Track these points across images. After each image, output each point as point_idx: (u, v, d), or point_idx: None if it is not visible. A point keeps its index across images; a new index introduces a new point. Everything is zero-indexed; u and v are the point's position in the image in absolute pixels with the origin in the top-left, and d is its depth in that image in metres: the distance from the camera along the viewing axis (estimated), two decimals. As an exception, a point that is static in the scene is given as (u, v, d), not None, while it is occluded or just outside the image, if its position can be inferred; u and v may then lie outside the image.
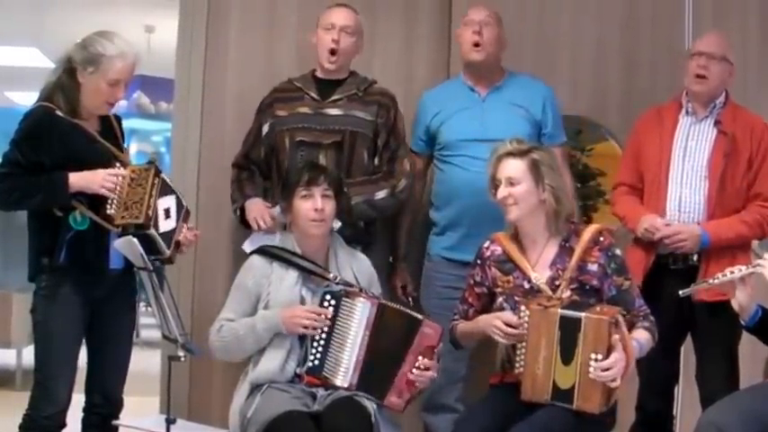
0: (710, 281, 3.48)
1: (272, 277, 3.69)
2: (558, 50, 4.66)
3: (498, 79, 4.41)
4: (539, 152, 3.56)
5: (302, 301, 3.66)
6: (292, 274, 3.69)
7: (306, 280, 3.69)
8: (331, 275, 3.68)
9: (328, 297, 3.61)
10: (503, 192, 3.51)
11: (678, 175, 4.01)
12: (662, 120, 4.11)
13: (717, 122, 4.02)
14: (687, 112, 4.07)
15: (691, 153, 4.02)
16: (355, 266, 3.81)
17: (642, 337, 3.43)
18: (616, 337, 3.23)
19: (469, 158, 4.21)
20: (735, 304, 3.44)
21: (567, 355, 3.28)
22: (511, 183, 3.50)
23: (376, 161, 4.26)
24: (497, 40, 4.36)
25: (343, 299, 3.61)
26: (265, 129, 4.28)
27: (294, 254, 3.72)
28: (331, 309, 3.59)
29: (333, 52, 4.20)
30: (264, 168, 4.30)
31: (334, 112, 4.21)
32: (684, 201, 3.99)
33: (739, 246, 3.96)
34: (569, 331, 3.27)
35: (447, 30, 4.78)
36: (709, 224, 3.93)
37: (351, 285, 3.68)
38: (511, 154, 3.53)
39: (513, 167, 3.51)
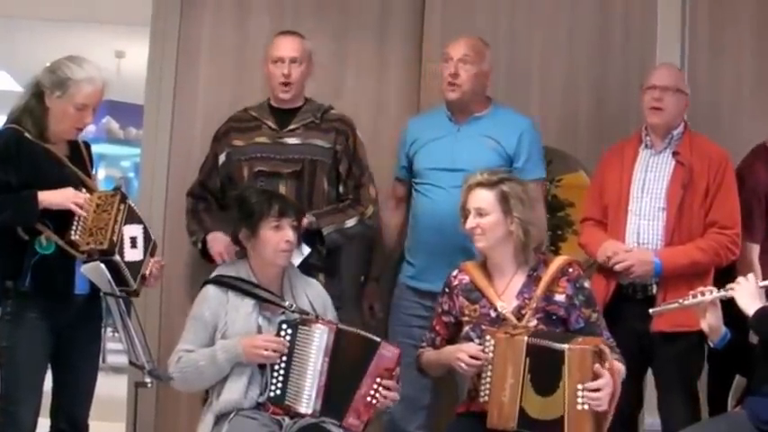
0: (681, 301, 3.49)
1: (228, 307, 3.66)
2: (528, 81, 4.69)
3: (480, 110, 4.30)
4: (509, 184, 3.54)
5: (259, 330, 3.63)
6: (248, 303, 3.66)
7: (262, 308, 3.66)
8: (286, 303, 3.66)
9: (284, 326, 3.58)
10: (471, 222, 3.52)
11: (637, 207, 4.03)
12: (622, 154, 4.13)
13: (675, 153, 4.04)
14: (646, 146, 4.10)
15: (649, 185, 4.04)
16: (310, 293, 3.79)
17: (620, 368, 3.39)
18: (598, 365, 3.21)
19: (434, 187, 4.19)
20: (704, 326, 3.45)
21: (545, 385, 3.25)
22: (480, 213, 3.51)
23: (340, 189, 4.27)
24: (475, 78, 4.23)
25: (300, 327, 3.58)
26: (222, 158, 4.28)
27: (249, 282, 3.70)
28: (288, 338, 3.56)
29: (285, 84, 4.21)
30: (221, 198, 4.31)
31: (292, 141, 4.21)
32: (643, 232, 4.00)
33: (697, 275, 3.91)
34: (547, 361, 3.25)
35: (418, 57, 4.80)
36: (664, 251, 3.94)
37: (306, 313, 3.66)
38: (481, 184, 3.54)
39: (483, 198, 3.52)
